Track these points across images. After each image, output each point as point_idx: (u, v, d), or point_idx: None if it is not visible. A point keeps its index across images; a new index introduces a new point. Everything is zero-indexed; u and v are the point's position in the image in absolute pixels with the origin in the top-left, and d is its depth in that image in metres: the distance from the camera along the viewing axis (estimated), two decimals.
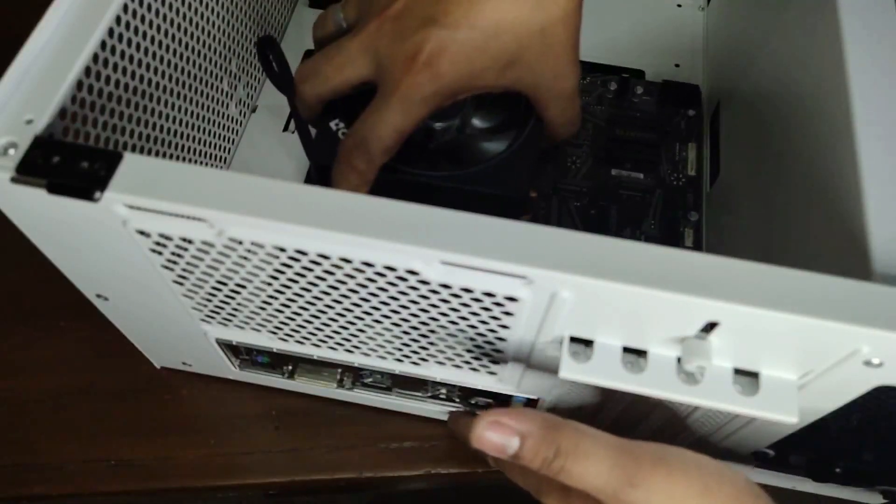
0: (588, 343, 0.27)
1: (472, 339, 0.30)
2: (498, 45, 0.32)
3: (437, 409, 0.40)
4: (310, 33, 0.39)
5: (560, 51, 0.33)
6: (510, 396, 0.36)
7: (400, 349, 0.32)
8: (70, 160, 0.25)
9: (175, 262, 0.28)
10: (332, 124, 0.38)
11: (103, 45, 0.30)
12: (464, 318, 0.28)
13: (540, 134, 0.37)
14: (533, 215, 0.45)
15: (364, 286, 0.27)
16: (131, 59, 0.32)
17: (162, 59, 0.35)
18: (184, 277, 0.29)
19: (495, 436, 0.26)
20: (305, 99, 0.37)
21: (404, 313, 0.29)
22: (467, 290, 0.26)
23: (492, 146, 0.37)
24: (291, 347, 0.35)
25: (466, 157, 0.37)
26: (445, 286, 0.26)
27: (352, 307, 0.29)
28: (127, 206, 0.25)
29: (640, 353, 0.27)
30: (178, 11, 0.36)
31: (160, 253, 0.28)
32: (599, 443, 0.25)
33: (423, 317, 0.29)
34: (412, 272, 0.25)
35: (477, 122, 0.38)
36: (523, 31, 0.32)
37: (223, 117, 0.45)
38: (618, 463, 0.25)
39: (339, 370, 0.38)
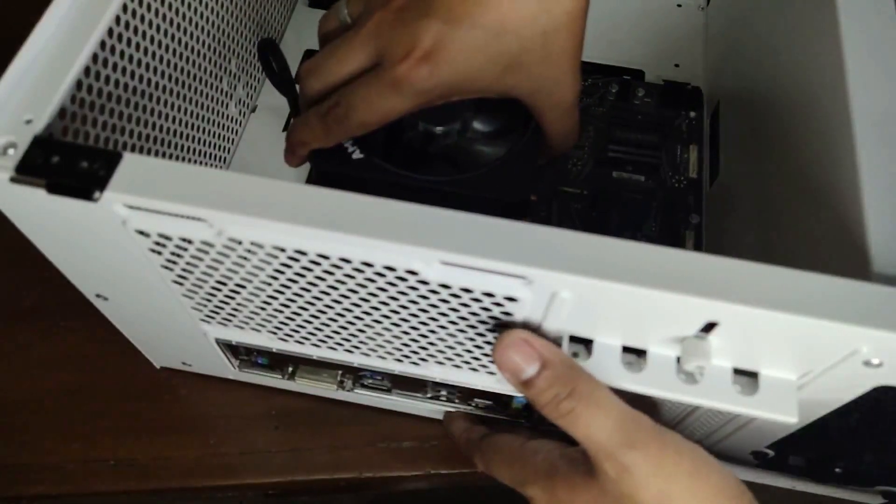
0: (588, 343, 0.27)
1: (471, 340, 0.30)
2: (498, 46, 0.32)
3: (436, 409, 0.40)
4: (310, 33, 0.39)
5: (561, 59, 0.33)
6: (510, 397, 0.36)
7: (399, 349, 0.32)
8: (69, 160, 0.25)
9: (174, 262, 0.28)
10: None
11: (103, 45, 0.30)
12: (463, 319, 0.28)
13: (540, 138, 0.37)
14: (533, 219, 0.45)
15: (363, 286, 0.27)
16: (131, 59, 0.32)
17: (161, 59, 0.36)
18: (183, 277, 0.29)
19: (518, 355, 0.26)
20: (308, 93, 0.37)
21: (404, 313, 0.29)
22: (467, 291, 0.26)
23: (492, 150, 0.37)
24: (291, 347, 0.35)
25: (467, 162, 0.37)
26: (445, 286, 0.26)
27: (351, 307, 0.29)
28: (126, 205, 0.25)
29: (640, 353, 0.27)
30: (177, 11, 0.36)
31: (160, 253, 0.28)
32: (612, 398, 0.26)
33: (423, 317, 0.29)
34: (412, 272, 0.25)
35: (478, 126, 0.38)
36: (525, 34, 0.31)
37: (223, 117, 0.45)
38: (623, 422, 0.25)
39: (339, 371, 0.38)
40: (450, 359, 0.32)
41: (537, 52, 0.32)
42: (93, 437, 0.41)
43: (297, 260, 0.26)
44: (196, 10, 0.38)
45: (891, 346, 0.23)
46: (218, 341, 0.36)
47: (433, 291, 0.26)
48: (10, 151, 0.25)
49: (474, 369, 0.33)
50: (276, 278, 0.28)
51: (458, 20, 0.31)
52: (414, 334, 0.30)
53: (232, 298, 0.31)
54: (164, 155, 0.38)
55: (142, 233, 0.26)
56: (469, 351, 0.31)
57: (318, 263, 0.26)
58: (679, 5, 0.56)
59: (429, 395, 0.38)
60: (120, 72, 0.32)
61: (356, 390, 0.39)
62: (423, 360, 0.33)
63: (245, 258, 0.27)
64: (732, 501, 0.26)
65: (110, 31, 0.30)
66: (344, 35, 0.34)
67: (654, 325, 0.26)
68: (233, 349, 0.37)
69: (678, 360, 0.27)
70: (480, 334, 0.29)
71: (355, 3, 0.35)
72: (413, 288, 0.26)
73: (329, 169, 0.36)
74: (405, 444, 0.41)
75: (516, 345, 0.26)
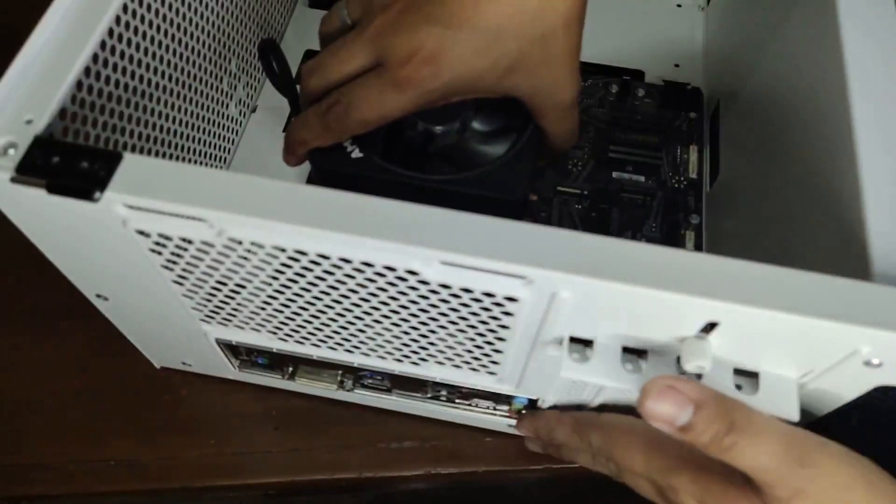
0: (588, 343, 0.27)
1: (471, 340, 0.30)
2: (498, 49, 0.32)
3: (436, 409, 0.40)
4: (310, 33, 0.39)
5: (560, 60, 0.33)
6: (510, 397, 0.36)
7: (400, 349, 0.32)
8: (70, 160, 0.25)
9: (175, 262, 0.28)
10: None
11: (103, 45, 0.30)
12: (463, 319, 0.28)
13: (540, 138, 0.37)
14: (533, 219, 0.45)
15: (363, 286, 0.27)
16: (131, 59, 0.32)
17: (161, 59, 0.35)
18: (183, 277, 0.29)
19: (667, 406, 0.24)
20: (309, 93, 0.37)
21: (404, 313, 0.29)
22: (467, 291, 0.26)
23: (492, 149, 0.37)
24: (291, 347, 0.35)
25: (467, 161, 0.37)
26: (445, 286, 0.26)
27: (351, 307, 0.29)
28: (126, 206, 0.25)
29: (640, 353, 0.27)
30: (177, 11, 0.36)
31: (160, 253, 0.28)
32: (771, 421, 0.25)
33: (423, 317, 0.29)
34: (412, 272, 0.25)
35: (477, 125, 0.38)
36: (524, 38, 0.32)
37: (223, 117, 0.45)
38: (790, 443, 0.24)
39: (339, 371, 0.38)
40: (450, 359, 0.32)
41: (537, 55, 0.32)
42: (93, 437, 0.41)
43: (297, 260, 0.26)
44: (196, 10, 0.38)
45: (891, 346, 0.23)
46: (218, 341, 0.36)
47: (433, 291, 0.26)
48: (11, 151, 0.25)
49: (474, 369, 0.33)
50: (276, 278, 0.28)
51: (459, 25, 0.31)
52: (414, 334, 0.30)
53: (232, 298, 0.31)
54: (164, 155, 0.38)
55: (142, 233, 0.26)
56: (469, 351, 0.31)
57: (318, 263, 0.26)
58: (679, 5, 0.56)
59: (429, 395, 0.38)
60: (120, 72, 0.32)
61: (356, 390, 0.39)
62: (423, 360, 0.33)
63: (245, 258, 0.27)
64: None
65: (110, 32, 0.30)
66: (345, 36, 0.35)
67: (654, 326, 0.26)
68: (233, 349, 0.37)
69: (678, 360, 0.27)
70: (480, 334, 0.29)
71: (355, 4, 0.35)
72: (413, 288, 0.26)
73: (328, 168, 0.36)
74: (405, 444, 0.41)
75: (664, 394, 0.24)
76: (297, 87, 0.39)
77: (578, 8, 0.32)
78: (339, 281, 0.27)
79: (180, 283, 0.30)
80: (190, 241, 0.26)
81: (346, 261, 0.26)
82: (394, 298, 0.27)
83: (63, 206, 0.25)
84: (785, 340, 0.25)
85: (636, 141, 0.48)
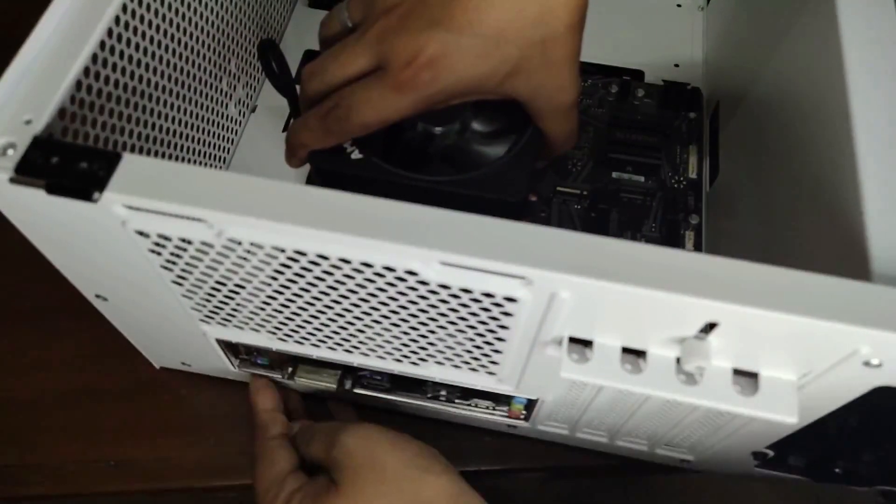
0: (587, 343, 0.27)
1: (471, 340, 0.30)
2: (499, 53, 0.32)
3: (436, 409, 0.40)
4: (309, 33, 0.39)
5: (560, 64, 0.33)
6: (510, 396, 0.36)
7: (399, 349, 0.32)
8: (69, 160, 0.25)
9: (174, 263, 0.28)
10: None
11: (102, 45, 0.30)
12: (463, 319, 0.28)
13: (539, 139, 0.37)
14: (533, 219, 0.45)
15: (363, 287, 0.27)
16: (130, 59, 0.32)
17: (161, 59, 0.36)
18: (183, 278, 0.29)
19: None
20: (309, 95, 0.37)
21: (403, 314, 0.29)
22: (466, 291, 0.26)
23: (492, 150, 0.37)
24: (291, 347, 0.35)
25: (466, 162, 0.37)
26: (444, 287, 0.26)
27: (351, 307, 0.29)
28: (126, 206, 0.25)
29: (640, 354, 0.27)
30: (177, 11, 0.36)
31: (159, 253, 0.28)
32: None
33: (423, 317, 0.29)
34: (411, 273, 0.25)
35: (477, 126, 0.38)
36: (525, 42, 0.32)
37: (222, 117, 0.45)
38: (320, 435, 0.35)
39: (339, 371, 0.38)
40: (449, 359, 0.32)
41: (537, 59, 0.32)
42: (93, 437, 0.41)
43: (296, 260, 0.26)
44: (196, 10, 0.38)
45: (891, 347, 0.23)
46: (218, 341, 0.36)
47: (433, 292, 0.26)
48: (10, 152, 0.25)
49: (474, 369, 0.33)
50: (275, 279, 0.28)
51: (460, 29, 0.31)
52: (413, 334, 0.30)
53: (231, 298, 0.31)
54: (163, 155, 0.38)
55: (141, 233, 0.26)
56: (469, 351, 0.31)
57: (317, 264, 0.26)
58: (679, 5, 0.56)
59: (428, 395, 0.38)
60: (119, 72, 0.32)
61: (356, 390, 0.39)
62: (422, 360, 0.33)
63: (244, 259, 0.27)
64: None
65: (110, 32, 0.30)
66: (346, 39, 0.35)
67: (653, 326, 0.26)
68: (233, 349, 0.37)
69: (678, 360, 0.27)
70: (480, 335, 0.29)
71: (356, 7, 0.35)
72: (412, 288, 0.26)
73: (328, 168, 0.36)
74: None
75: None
76: (297, 87, 0.39)
77: (579, 13, 0.32)
78: (338, 281, 0.27)
79: (180, 284, 0.30)
80: (189, 242, 0.26)
81: (346, 261, 0.25)
82: (393, 299, 0.27)
83: (62, 206, 0.25)
84: (784, 341, 0.25)
85: (636, 141, 0.48)
